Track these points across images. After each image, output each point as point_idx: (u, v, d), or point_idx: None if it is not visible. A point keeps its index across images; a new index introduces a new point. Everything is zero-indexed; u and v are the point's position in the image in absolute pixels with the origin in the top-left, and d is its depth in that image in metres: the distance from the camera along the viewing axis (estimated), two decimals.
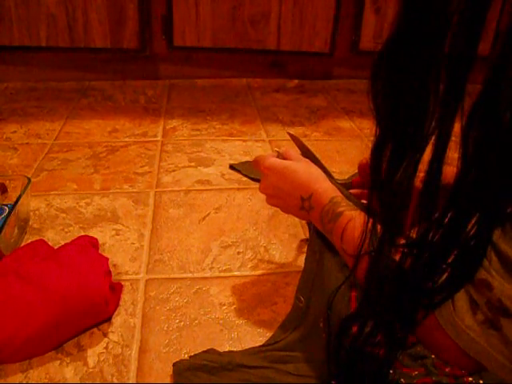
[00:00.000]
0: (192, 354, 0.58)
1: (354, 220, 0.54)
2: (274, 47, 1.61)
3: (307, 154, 0.69)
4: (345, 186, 0.69)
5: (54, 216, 0.85)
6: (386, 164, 0.38)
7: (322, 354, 0.56)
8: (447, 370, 0.54)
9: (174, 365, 0.56)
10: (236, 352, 0.59)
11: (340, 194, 0.59)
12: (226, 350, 0.60)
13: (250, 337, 0.62)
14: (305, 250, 0.79)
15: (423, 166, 0.36)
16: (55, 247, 0.71)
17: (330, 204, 0.57)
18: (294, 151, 0.66)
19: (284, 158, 0.64)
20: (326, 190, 0.59)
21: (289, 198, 0.62)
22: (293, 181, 0.61)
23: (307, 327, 0.61)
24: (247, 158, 1.10)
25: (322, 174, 0.62)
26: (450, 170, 0.36)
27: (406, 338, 0.44)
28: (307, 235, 0.81)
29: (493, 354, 0.36)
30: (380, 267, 0.41)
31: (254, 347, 0.60)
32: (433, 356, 0.56)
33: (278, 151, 0.67)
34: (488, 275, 0.35)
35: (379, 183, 0.39)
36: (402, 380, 0.54)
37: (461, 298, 0.38)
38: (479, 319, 0.36)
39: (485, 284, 0.35)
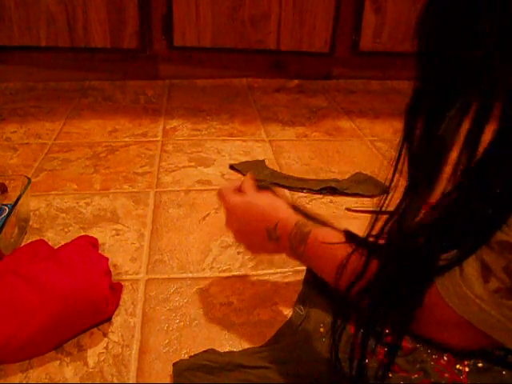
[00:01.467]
0: (192, 354, 0.58)
1: (324, 234, 0.56)
2: (274, 47, 1.61)
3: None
4: None
5: (54, 216, 0.85)
6: (426, 117, 0.36)
7: (321, 356, 0.57)
8: (446, 375, 0.55)
9: (174, 365, 0.56)
10: (236, 352, 0.59)
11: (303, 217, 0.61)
12: (226, 349, 0.60)
13: (249, 337, 0.62)
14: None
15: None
16: (55, 247, 0.71)
17: (296, 228, 0.58)
18: (249, 183, 0.65)
19: (240, 191, 0.65)
20: (290, 215, 0.60)
21: (256, 232, 0.62)
22: (256, 215, 0.61)
23: (308, 331, 0.61)
24: (247, 158, 1.10)
25: (283, 202, 0.63)
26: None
27: (412, 314, 0.41)
28: None
29: (507, 324, 0.33)
30: (404, 228, 0.39)
31: (253, 347, 0.60)
32: (432, 362, 0.56)
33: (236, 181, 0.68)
34: (509, 237, 0.32)
35: (412, 138, 0.36)
36: (402, 383, 0.54)
37: (470, 265, 0.34)
38: (491, 287, 0.33)
39: (506, 246, 0.32)
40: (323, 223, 0.61)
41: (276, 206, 0.61)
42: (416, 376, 0.55)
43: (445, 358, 0.57)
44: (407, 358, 0.57)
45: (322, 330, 0.62)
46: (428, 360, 0.57)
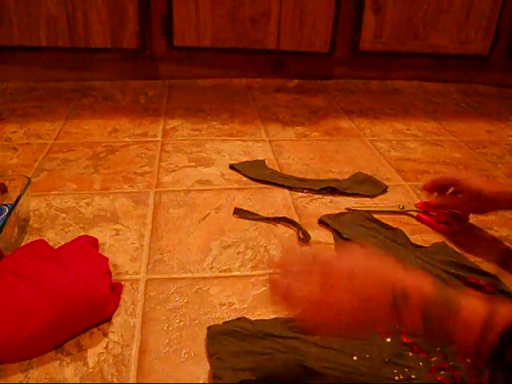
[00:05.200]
0: (226, 321, 0.62)
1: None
2: (274, 47, 1.61)
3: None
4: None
5: (54, 216, 0.85)
6: None
7: None
8: (468, 360, 0.55)
9: (209, 328, 0.61)
10: (267, 320, 0.63)
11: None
12: None
13: None
14: (304, 248, 0.79)
15: None
16: (55, 247, 0.71)
17: (435, 295, 0.43)
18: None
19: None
20: (417, 276, 0.45)
21: (376, 300, 0.45)
22: (379, 276, 0.46)
23: None
24: (247, 158, 1.10)
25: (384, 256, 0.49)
26: None
27: None
28: (303, 235, 0.81)
29: None
30: None
31: (284, 317, 0.63)
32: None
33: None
34: None
35: None
36: (421, 363, 0.56)
37: None
38: None
39: None
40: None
41: (392, 263, 0.46)
42: (435, 359, 0.56)
43: None
44: (428, 340, 0.58)
45: None
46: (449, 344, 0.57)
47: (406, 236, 0.82)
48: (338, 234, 0.82)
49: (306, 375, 0.53)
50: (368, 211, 0.89)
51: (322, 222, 0.86)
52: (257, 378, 0.53)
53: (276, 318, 0.63)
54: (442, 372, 0.55)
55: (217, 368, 0.55)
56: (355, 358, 0.56)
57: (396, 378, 0.54)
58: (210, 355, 0.57)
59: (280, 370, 0.53)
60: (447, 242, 0.82)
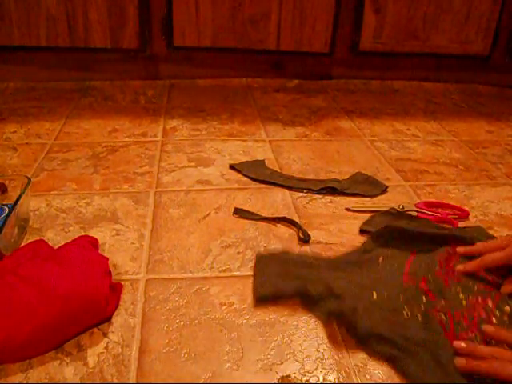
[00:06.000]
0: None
1: None
2: (274, 47, 1.61)
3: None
4: None
5: (54, 216, 0.85)
6: None
7: (379, 275, 0.70)
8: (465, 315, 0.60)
9: (258, 253, 0.75)
10: (308, 255, 0.76)
11: None
12: (226, 349, 0.60)
13: (250, 337, 0.62)
14: (303, 249, 0.79)
15: None
16: (55, 247, 0.71)
17: None
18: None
19: None
20: None
21: None
22: None
23: (367, 257, 0.75)
24: (247, 158, 1.10)
25: None
26: None
27: None
28: (303, 235, 0.81)
29: None
30: None
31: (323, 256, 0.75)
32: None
33: None
34: None
35: None
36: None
37: None
38: None
39: None
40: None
41: None
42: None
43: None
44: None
45: (380, 259, 0.72)
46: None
47: (433, 224, 0.85)
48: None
49: (330, 296, 0.64)
50: (376, 210, 0.90)
51: (363, 231, 0.84)
52: (291, 294, 0.66)
53: (315, 254, 0.76)
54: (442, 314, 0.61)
55: (259, 279, 0.68)
56: (375, 293, 0.65)
57: (404, 312, 0.62)
58: (255, 274, 0.70)
59: (311, 288, 0.65)
60: None
